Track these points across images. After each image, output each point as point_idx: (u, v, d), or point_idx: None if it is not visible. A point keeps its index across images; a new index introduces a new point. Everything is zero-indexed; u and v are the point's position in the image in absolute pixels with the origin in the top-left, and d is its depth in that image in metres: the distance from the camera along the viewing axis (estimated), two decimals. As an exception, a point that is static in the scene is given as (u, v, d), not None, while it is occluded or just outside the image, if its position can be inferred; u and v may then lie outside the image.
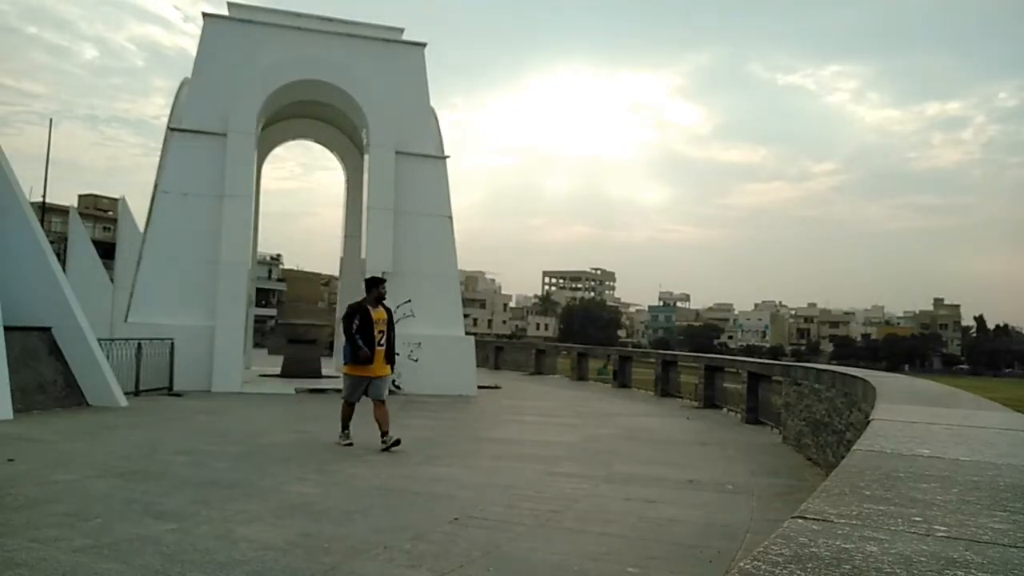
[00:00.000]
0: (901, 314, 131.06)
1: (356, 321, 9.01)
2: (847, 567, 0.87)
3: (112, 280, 22.81)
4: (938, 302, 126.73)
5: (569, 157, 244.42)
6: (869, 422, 3.07)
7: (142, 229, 17.84)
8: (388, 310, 9.42)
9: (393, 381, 16.53)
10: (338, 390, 17.36)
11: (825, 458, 8.36)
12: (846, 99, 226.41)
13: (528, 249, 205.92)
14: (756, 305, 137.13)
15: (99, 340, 12.77)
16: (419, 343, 16.74)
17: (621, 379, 21.42)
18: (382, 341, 9.10)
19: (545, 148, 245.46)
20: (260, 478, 7.09)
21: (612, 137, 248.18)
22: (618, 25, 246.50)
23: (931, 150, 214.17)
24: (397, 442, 8.75)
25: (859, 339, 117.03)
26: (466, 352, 17.35)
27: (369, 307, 9.16)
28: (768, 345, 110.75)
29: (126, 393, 12.71)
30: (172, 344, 14.96)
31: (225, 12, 17.76)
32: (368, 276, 9.99)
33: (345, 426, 9.29)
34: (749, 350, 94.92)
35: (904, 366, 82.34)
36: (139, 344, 14.01)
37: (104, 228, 58.59)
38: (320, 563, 4.54)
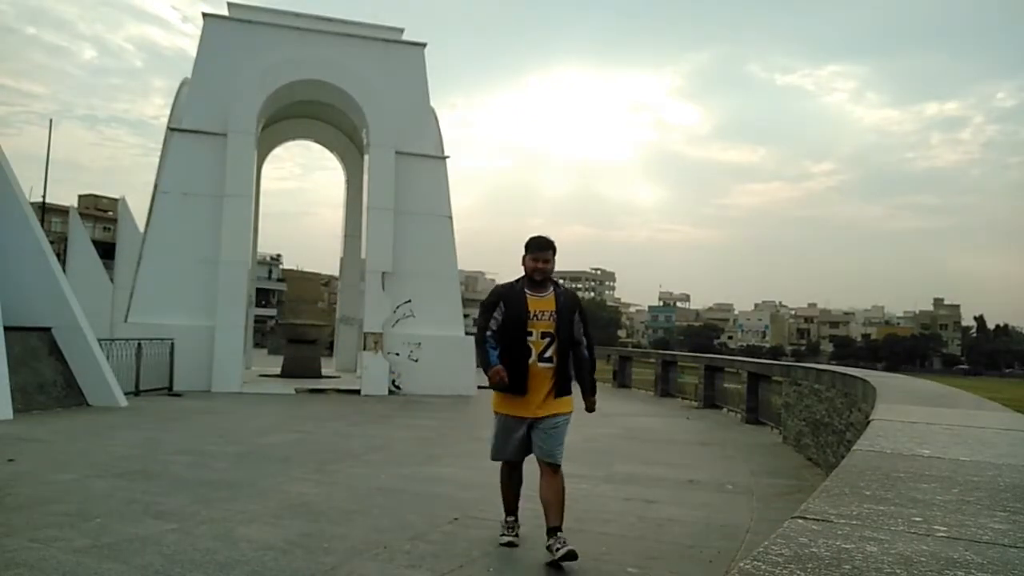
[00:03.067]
0: (901, 314, 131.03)
1: (496, 314, 5.00)
2: (847, 567, 0.87)
3: (112, 280, 22.80)
4: (938, 302, 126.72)
5: (568, 157, 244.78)
6: (869, 422, 3.08)
7: (142, 229, 17.84)
8: (564, 295, 5.10)
9: (393, 381, 16.54)
10: (338, 390, 17.50)
11: (825, 458, 8.36)
12: (844, 99, 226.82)
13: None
14: (756, 305, 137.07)
15: (99, 340, 12.77)
16: (419, 343, 16.75)
17: (621, 379, 21.42)
18: (548, 352, 4.91)
19: (544, 148, 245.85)
20: (260, 478, 7.08)
21: (611, 137, 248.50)
22: (617, 25, 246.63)
23: (930, 150, 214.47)
24: (572, 555, 4.64)
25: (859, 339, 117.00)
26: (466, 352, 17.34)
27: (526, 292, 5.00)
28: (768, 345, 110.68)
29: (126, 393, 12.72)
30: (172, 344, 14.96)
31: (225, 12, 17.77)
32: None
33: (508, 509, 5.24)
34: (749, 350, 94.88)
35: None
36: (139, 344, 14.01)
37: (104, 228, 58.55)
38: (320, 563, 4.54)
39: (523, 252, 5.07)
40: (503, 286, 5.15)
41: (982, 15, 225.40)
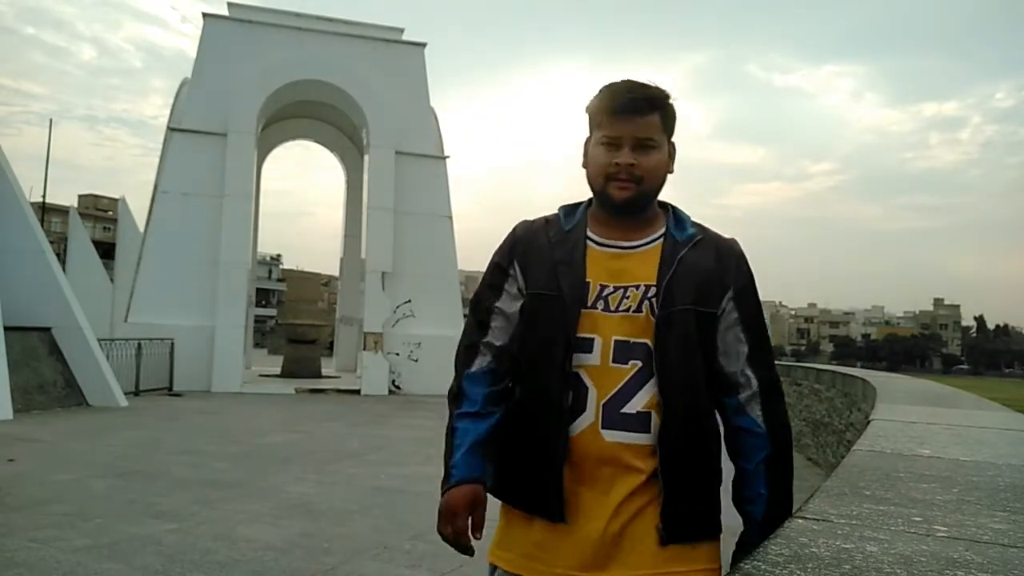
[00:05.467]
0: (901, 314, 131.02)
1: (501, 303, 1.63)
2: (847, 567, 0.87)
3: (112, 280, 22.80)
4: (938, 302, 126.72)
5: (567, 157, 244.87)
6: (869, 422, 3.08)
7: (142, 229, 17.85)
8: (698, 241, 1.59)
9: (393, 381, 16.54)
10: (338, 390, 17.54)
11: (825, 458, 8.36)
12: (843, 99, 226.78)
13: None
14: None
15: (99, 340, 12.78)
16: (419, 343, 16.75)
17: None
18: (638, 400, 1.50)
19: (544, 147, 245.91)
20: (260, 478, 7.08)
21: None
22: (617, 26, 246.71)
23: (929, 150, 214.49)
24: None
25: (859, 339, 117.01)
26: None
27: (589, 236, 1.61)
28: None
29: (126, 393, 12.72)
30: (172, 344, 14.97)
31: (225, 12, 17.77)
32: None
33: None
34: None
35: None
36: (139, 344, 14.01)
37: (104, 228, 58.51)
38: (320, 563, 4.54)
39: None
40: (531, 223, 1.72)
41: (979, 15, 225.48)
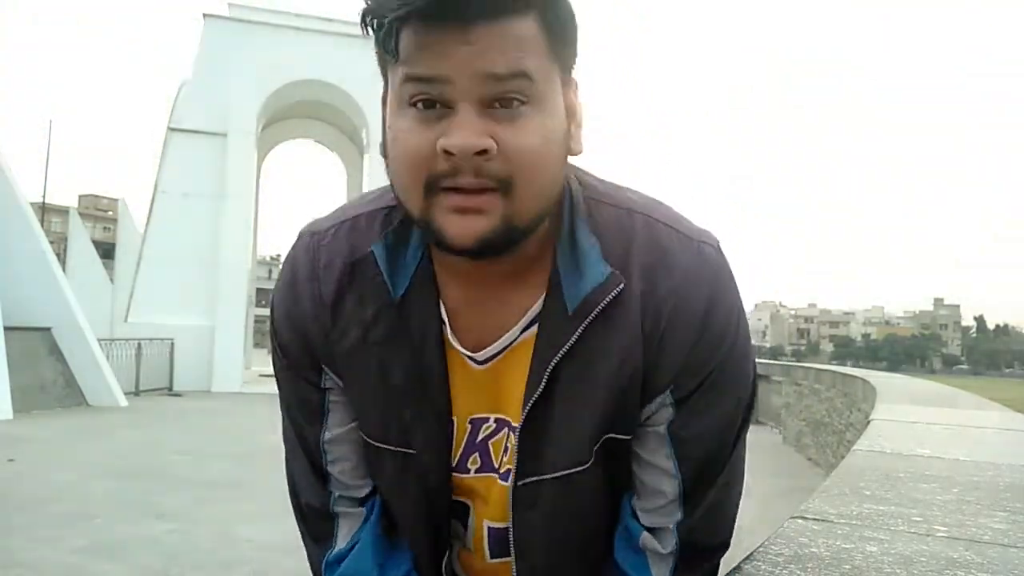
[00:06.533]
0: (901, 314, 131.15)
1: (331, 440, 0.96)
2: (847, 567, 0.87)
3: (112, 280, 22.81)
4: (938, 302, 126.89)
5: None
6: (869, 422, 3.08)
7: (142, 229, 17.85)
8: (594, 300, 0.75)
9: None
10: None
11: (825, 458, 8.37)
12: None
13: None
14: (756, 305, 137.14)
15: (99, 340, 12.79)
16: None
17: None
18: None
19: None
20: (260, 478, 7.07)
21: (609, 132, 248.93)
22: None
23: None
24: None
25: (859, 339, 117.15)
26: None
27: (447, 339, 0.81)
28: (768, 345, 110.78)
29: (126, 393, 12.73)
30: (172, 344, 14.97)
31: (225, 12, 17.77)
32: None
33: None
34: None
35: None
36: (139, 344, 14.02)
37: (104, 228, 58.51)
38: (320, 563, 4.54)
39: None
40: (317, 279, 0.87)
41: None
